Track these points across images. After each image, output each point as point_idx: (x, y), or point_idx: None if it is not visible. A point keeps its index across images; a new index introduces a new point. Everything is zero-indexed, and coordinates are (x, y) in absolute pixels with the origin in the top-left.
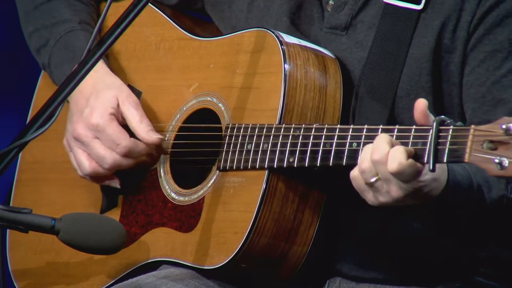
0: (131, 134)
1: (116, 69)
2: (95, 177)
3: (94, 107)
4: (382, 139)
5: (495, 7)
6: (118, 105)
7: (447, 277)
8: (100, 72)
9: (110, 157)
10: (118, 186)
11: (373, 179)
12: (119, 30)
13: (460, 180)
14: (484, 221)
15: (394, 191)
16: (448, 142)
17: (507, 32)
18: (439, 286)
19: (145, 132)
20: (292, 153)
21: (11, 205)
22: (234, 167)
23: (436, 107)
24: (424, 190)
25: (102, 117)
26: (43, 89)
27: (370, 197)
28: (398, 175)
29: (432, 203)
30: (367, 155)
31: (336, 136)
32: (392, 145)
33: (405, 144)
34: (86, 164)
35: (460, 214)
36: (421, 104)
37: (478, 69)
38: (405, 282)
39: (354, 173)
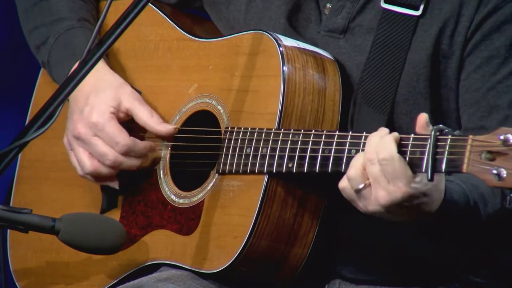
0: (130, 133)
1: (115, 68)
2: (96, 176)
3: (94, 106)
4: (374, 140)
5: (493, 13)
6: (118, 104)
7: (446, 278)
8: (100, 70)
9: (111, 154)
10: (117, 187)
11: (361, 186)
12: (119, 30)
13: (457, 200)
14: (480, 234)
15: (381, 196)
16: (446, 152)
17: (504, 38)
18: (438, 287)
19: (159, 124)
20: (291, 158)
21: (11, 203)
22: (234, 171)
23: (434, 112)
24: (414, 202)
25: (102, 115)
26: (43, 87)
27: (361, 206)
28: (386, 164)
29: (426, 221)
30: (355, 162)
31: (335, 143)
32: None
33: (403, 152)
34: (87, 162)
35: (457, 230)
36: (422, 119)
37: (474, 74)
38: (405, 283)
39: (343, 184)
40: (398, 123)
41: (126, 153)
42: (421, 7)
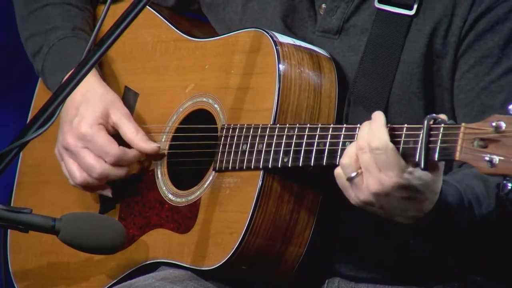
0: (120, 143)
1: (113, 70)
2: (86, 187)
3: (84, 116)
4: (364, 130)
5: (486, 13)
6: (107, 115)
7: (446, 277)
8: (91, 81)
9: (99, 166)
10: (110, 195)
11: (353, 174)
12: (118, 31)
13: (451, 202)
14: (475, 234)
15: (372, 184)
16: (439, 141)
17: (497, 38)
18: (438, 286)
19: (143, 141)
20: (286, 153)
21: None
22: (230, 168)
23: (428, 112)
24: (404, 195)
25: (91, 126)
26: (43, 90)
27: (352, 196)
28: (380, 153)
29: (420, 221)
30: (348, 150)
31: (329, 136)
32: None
33: (397, 143)
34: (77, 174)
35: (452, 231)
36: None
37: (468, 74)
38: (404, 282)
39: (338, 170)
40: (392, 123)
41: (116, 163)
42: (415, 6)
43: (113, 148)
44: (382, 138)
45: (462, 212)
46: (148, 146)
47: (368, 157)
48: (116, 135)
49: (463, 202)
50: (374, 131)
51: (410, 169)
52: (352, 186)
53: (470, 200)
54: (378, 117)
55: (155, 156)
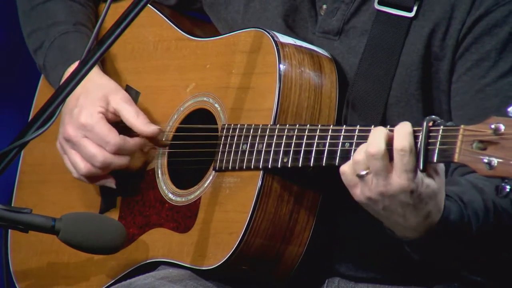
0: (120, 132)
1: (115, 69)
2: (90, 177)
3: (83, 107)
4: (380, 135)
5: (484, 16)
6: (107, 104)
7: (446, 277)
8: (91, 73)
9: (100, 154)
10: (114, 186)
11: (363, 172)
12: (119, 30)
13: (453, 220)
14: (472, 246)
15: (382, 185)
16: (438, 142)
17: (494, 41)
18: (438, 286)
19: (144, 125)
20: (286, 153)
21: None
22: (230, 168)
23: (426, 114)
24: (410, 202)
25: (91, 116)
26: (44, 90)
27: (358, 193)
28: (402, 155)
29: (421, 235)
30: (364, 147)
31: (329, 137)
32: (389, 140)
33: None
34: (81, 165)
35: (450, 246)
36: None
37: (464, 77)
38: (404, 282)
39: (344, 167)
40: (391, 125)
41: (117, 152)
42: (415, 8)
43: (113, 137)
44: (409, 140)
45: (462, 229)
46: (149, 129)
47: (379, 164)
48: (117, 124)
49: (463, 219)
50: (399, 132)
51: (421, 175)
52: (360, 183)
53: (469, 216)
54: (406, 123)
55: (158, 142)
